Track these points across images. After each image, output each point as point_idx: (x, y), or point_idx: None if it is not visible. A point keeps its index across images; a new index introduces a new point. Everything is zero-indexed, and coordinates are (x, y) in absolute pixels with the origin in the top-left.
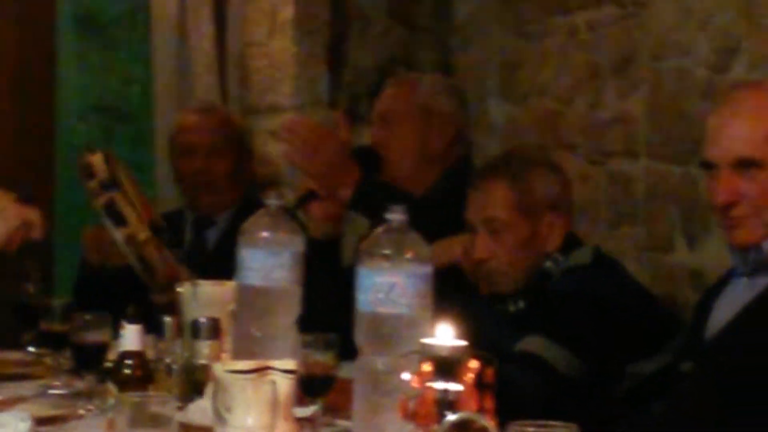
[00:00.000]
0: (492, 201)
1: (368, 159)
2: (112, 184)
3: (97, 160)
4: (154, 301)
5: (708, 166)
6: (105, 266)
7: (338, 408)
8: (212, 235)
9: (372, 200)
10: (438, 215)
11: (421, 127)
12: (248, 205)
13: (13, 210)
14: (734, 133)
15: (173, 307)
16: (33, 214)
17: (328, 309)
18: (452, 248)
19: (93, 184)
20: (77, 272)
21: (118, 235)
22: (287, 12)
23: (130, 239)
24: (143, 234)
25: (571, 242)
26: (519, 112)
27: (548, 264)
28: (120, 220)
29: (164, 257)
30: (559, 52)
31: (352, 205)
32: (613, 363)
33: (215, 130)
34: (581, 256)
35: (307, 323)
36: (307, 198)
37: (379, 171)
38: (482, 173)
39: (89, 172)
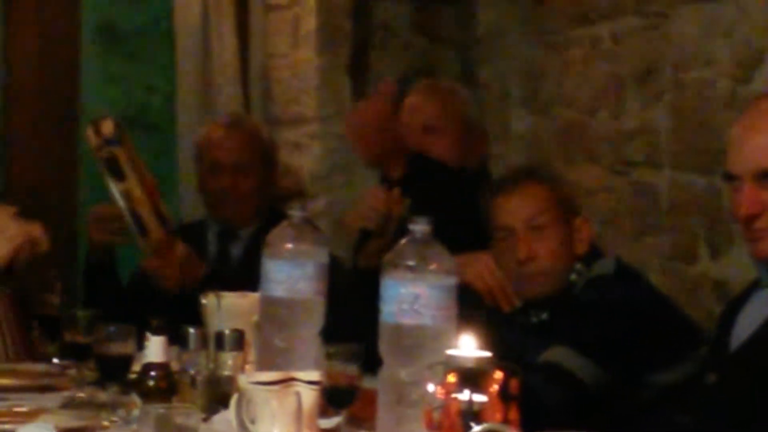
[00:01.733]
0: (530, 201)
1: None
2: (116, 141)
3: (105, 121)
4: (144, 265)
5: (730, 177)
6: (110, 248)
7: (362, 419)
8: (236, 248)
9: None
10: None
11: (463, 138)
12: (273, 218)
13: (16, 227)
14: (757, 144)
15: (163, 272)
16: (35, 230)
17: (366, 329)
18: (463, 270)
19: (97, 139)
20: (85, 262)
21: (116, 188)
22: (310, 23)
23: (127, 195)
24: (139, 192)
25: (593, 252)
26: (542, 123)
27: (573, 276)
28: (119, 175)
29: (160, 221)
30: (582, 62)
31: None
32: (636, 373)
33: (242, 147)
34: (604, 267)
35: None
36: (364, 237)
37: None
38: (513, 179)
39: (96, 131)
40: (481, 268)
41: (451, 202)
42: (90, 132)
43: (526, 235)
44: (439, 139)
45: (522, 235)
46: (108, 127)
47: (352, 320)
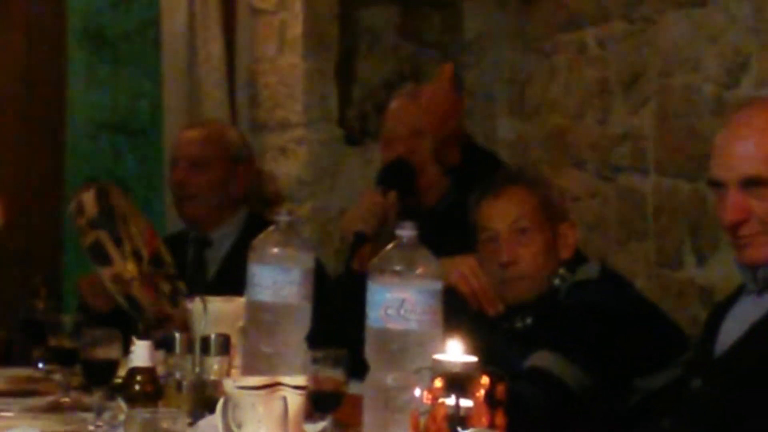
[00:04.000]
0: (516, 204)
1: (402, 173)
2: (99, 222)
3: (88, 197)
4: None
5: (716, 184)
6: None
7: (348, 424)
8: (213, 256)
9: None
10: (450, 226)
11: (447, 140)
12: (253, 224)
13: None
14: (742, 151)
15: (167, 342)
16: None
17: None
18: (448, 272)
19: (81, 222)
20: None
21: (104, 274)
22: (296, 28)
23: (116, 278)
24: (129, 273)
25: (577, 257)
26: (528, 128)
27: (555, 280)
28: (105, 260)
29: (154, 295)
30: (568, 68)
31: None
32: (621, 377)
33: (200, 143)
34: (588, 272)
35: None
36: (359, 241)
37: (414, 183)
38: (499, 184)
39: (80, 210)
40: (466, 270)
41: None
42: (73, 211)
43: (510, 239)
44: (425, 142)
45: (506, 239)
46: (90, 205)
47: (339, 325)
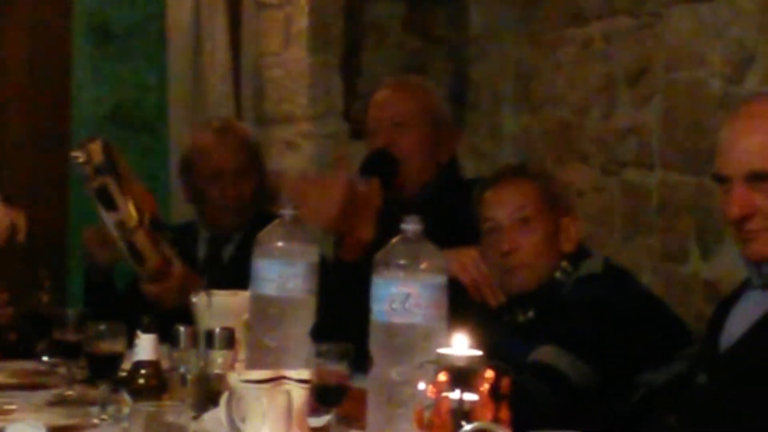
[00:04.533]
0: (520, 195)
1: (384, 163)
2: (106, 169)
3: (94, 146)
4: (143, 290)
5: (721, 179)
6: (113, 265)
7: (352, 418)
8: (227, 251)
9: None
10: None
11: (432, 133)
12: (261, 218)
13: (2, 210)
14: (747, 146)
15: (163, 296)
16: (20, 217)
17: (355, 327)
18: (449, 263)
19: (87, 168)
20: (84, 280)
21: (109, 219)
22: (302, 22)
23: (120, 225)
24: (133, 221)
25: (581, 251)
26: (533, 123)
27: (558, 274)
28: (111, 205)
29: (156, 247)
30: (574, 62)
31: None
32: (625, 372)
33: (240, 152)
34: (592, 266)
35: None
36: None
37: (396, 174)
38: (502, 175)
39: (86, 157)
40: (467, 261)
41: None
42: (79, 159)
43: (512, 228)
44: (407, 134)
45: (507, 228)
46: (97, 153)
47: (339, 316)
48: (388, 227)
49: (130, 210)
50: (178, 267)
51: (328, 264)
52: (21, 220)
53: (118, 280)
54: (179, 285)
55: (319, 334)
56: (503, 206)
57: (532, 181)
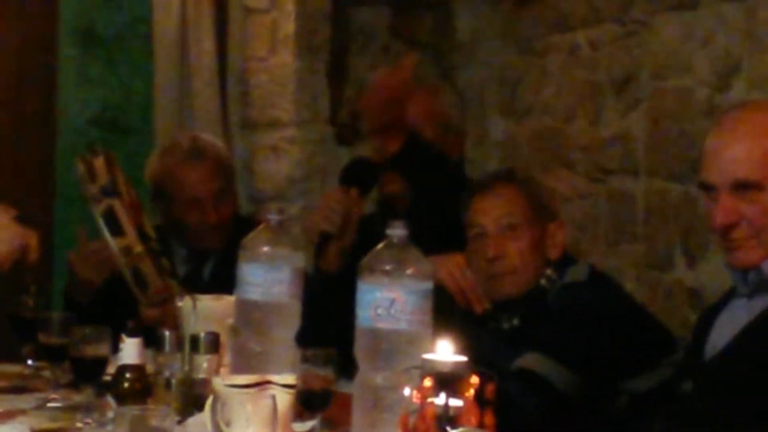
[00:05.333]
0: (507, 202)
1: (364, 173)
2: (112, 190)
3: (99, 163)
4: (144, 315)
5: (707, 187)
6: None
7: (337, 423)
8: (207, 267)
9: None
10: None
11: (440, 139)
12: (239, 226)
13: (15, 230)
14: (732, 155)
15: (163, 321)
16: (32, 237)
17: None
18: (435, 270)
19: (94, 189)
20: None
21: (114, 244)
22: (288, 28)
23: (126, 251)
24: (139, 247)
25: (566, 258)
26: (519, 130)
27: (543, 281)
28: (117, 230)
29: (158, 271)
30: (560, 69)
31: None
32: (609, 379)
33: (215, 177)
34: (577, 273)
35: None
36: (324, 240)
37: (375, 184)
38: (490, 181)
39: (92, 176)
40: (453, 267)
41: (435, 189)
42: (83, 176)
43: (498, 234)
44: (395, 111)
45: (493, 234)
46: (102, 171)
47: (323, 324)
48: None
49: (135, 235)
50: (175, 288)
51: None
52: (33, 240)
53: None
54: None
55: (304, 339)
56: (490, 213)
57: (519, 188)
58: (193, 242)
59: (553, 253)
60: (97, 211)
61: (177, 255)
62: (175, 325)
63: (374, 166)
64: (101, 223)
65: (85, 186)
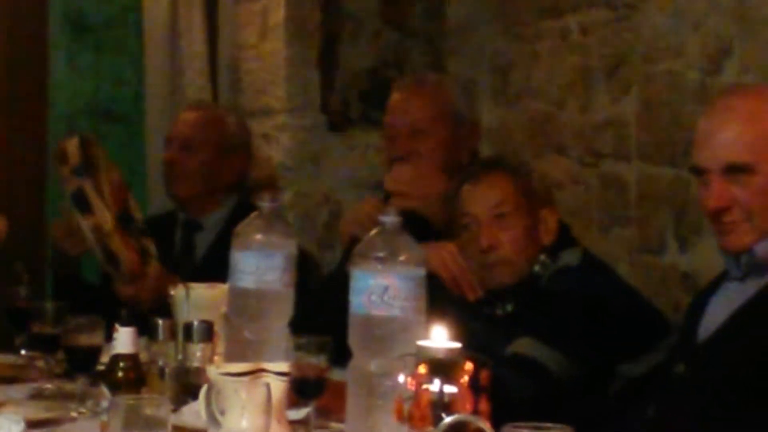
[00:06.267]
0: (498, 190)
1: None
2: (83, 170)
3: (71, 145)
4: (119, 292)
5: (698, 171)
6: (80, 257)
7: (331, 411)
8: (202, 240)
9: None
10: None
11: (452, 136)
12: (240, 209)
13: None
14: (724, 138)
15: (138, 298)
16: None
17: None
18: (428, 258)
19: (65, 169)
20: (52, 273)
21: (84, 223)
22: (279, 15)
23: (96, 228)
24: (109, 224)
25: (560, 243)
26: (511, 115)
27: (536, 267)
28: (87, 208)
29: (131, 248)
30: (551, 54)
31: None
32: (604, 363)
33: (193, 126)
34: (570, 258)
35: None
36: (353, 244)
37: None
38: (479, 170)
39: (63, 157)
40: (445, 256)
41: None
42: (57, 160)
43: (490, 224)
44: (426, 140)
45: (485, 224)
46: (74, 154)
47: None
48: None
49: (105, 213)
50: (153, 267)
51: (309, 260)
52: (1, 224)
53: (87, 273)
54: (155, 285)
55: (297, 326)
56: (480, 202)
57: (509, 175)
58: (166, 188)
59: (546, 239)
60: (68, 190)
61: (177, 224)
62: (151, 300)
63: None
64: (71, 202)
65: (58, 167)
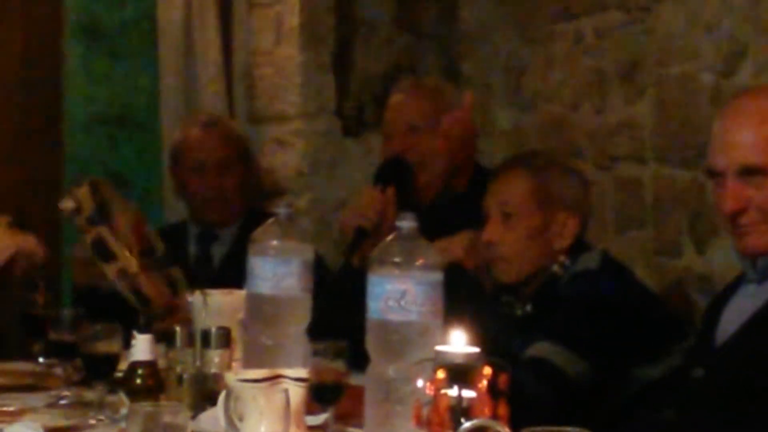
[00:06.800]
0: (509, 187)
1: (399, 171)
2: (98, 218)
3: (83, 194)
4: (154, 329)
5: (714, 173)
6: (96, 289)
7: (349, 416)
8: (218, 249)
9: None
10: (448, 221)
11: (450, 137)
12: (254, 216)
13: (8, 239)
14: (739, 140)
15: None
16: (29, 241)
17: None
18: (453, 247)
19: (80, 220)
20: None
21: (109, 270)
22: (293, 20)
23: (122, 273)
24: (134, 267)
25: (580, 246)
26: (525, 118)
27: (555, 268)
28: (109, 256)
29: (159, 284)
30: (566, 57)
31: None
32: (620, 367)
33: (224, 146)
34: (589, 261)
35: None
36: (359, 236)
37: (411, 182)
38: (504, 165)
39: (77, 207)
40: (467, 245)
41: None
42: (70, 209)
43: (495, 220)
44: (423, 138)
45: (491, 219)
46: (87, 201)
47: (339, 318)
48: None
49: (127, 256)
50: (183, 296)
51: (325, 265)
52: (31, 244)
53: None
54: (187, 315)
55: (315, 332)
56: (493, 197)
57: (526, 175)
58: (196, 214)
59: (559, 243)
60: (87, 240)
61: (190, 235)
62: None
63: (410, 165)
64: (93, 252)
65: (73, 218)
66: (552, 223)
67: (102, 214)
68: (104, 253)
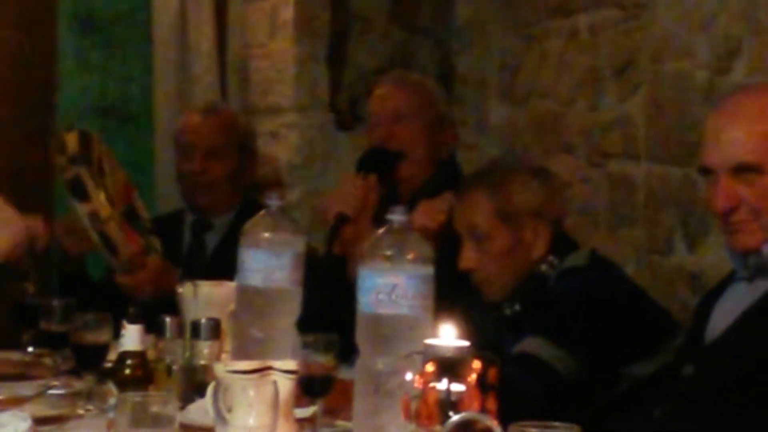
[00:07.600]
0: (472, 211)
1: (382, 159)
2: (80, 159)
3: (71, 137)
4: (117, 281)
5: (706, 171)
6: (83, 256)
7: (338, 409)
8: (211, 239)
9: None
10: None
11: (432, 129)
12: (248, 208)
13: (20, 222)
14: (732, 138)
15: (136, 289)
16: (38, 226)
17: (339, 319)
18: (436, 211)
19: (62, 159)
20: (57, 270)
21: (81, 210)
22: (287, 13)
23: (93, 215)
24: (106, 211)
25: (565, 245)
26: (519, 114)
27: (543, 267)
28: (83, 196)
29: (129, 238)
30: (560, 54)
31: None
32: (610, 363)
33: (215, 132)
34: (577, 258)
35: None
36: (340, 222)
37: (394, 170)
38: (465, 184)
39: (61, 147)
40: (428, 209)
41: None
42: (54, 148)
43: (470, 244)
44: (406, 127)
45: (465, 243)
46: (72, 143)
47: (327, 308)
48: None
49: (102, 201)
50: (153, 258)
51: (319, 257)
52: (39, 228)
53: (93, 270)
54: (154, 276)
55: (305, 325)
56: (461, 221)
57: (487, 195)
58: (186, 197)
59: (537, 252)
60: (64, 179)
61: (185, 224)
62: (149, 292)
63: (392, 154)
64: (68, 190)
65: (55, 157)
66: (523, 236)
67: (84, 157)
68: (80, 192)
